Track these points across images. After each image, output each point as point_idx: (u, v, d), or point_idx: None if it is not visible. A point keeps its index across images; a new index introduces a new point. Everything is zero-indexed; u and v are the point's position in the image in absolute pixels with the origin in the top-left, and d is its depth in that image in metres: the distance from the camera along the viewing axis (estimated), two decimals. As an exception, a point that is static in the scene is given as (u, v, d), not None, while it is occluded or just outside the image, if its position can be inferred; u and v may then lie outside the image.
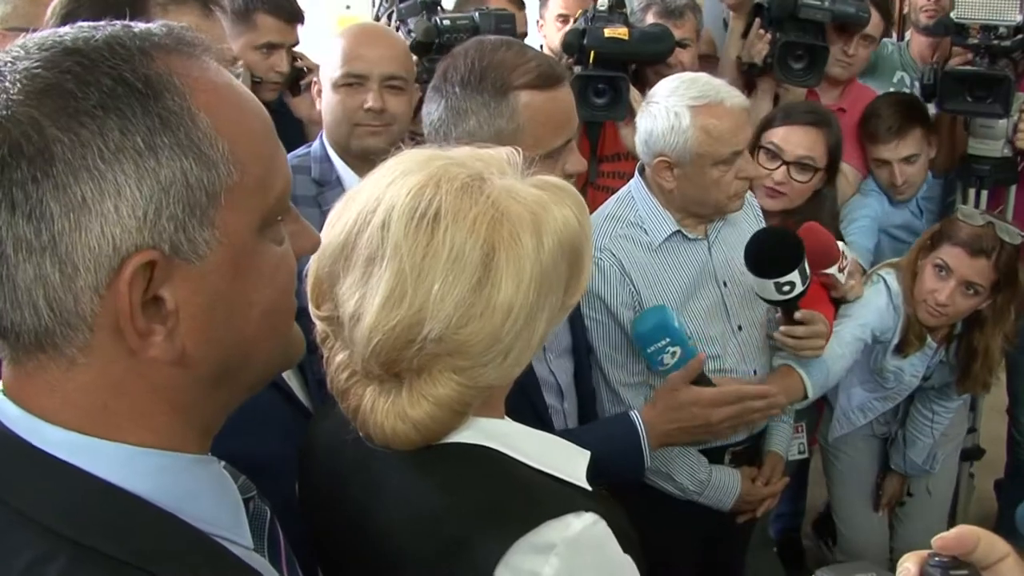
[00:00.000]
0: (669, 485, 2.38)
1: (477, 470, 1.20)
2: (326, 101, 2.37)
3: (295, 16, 3.04)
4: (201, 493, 0.88)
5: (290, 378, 1.64)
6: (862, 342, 2.72)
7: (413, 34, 2.85)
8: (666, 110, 2.26)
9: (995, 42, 3.04)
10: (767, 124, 2.87)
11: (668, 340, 2.11)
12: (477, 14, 2.90)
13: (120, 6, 1.40)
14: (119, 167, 0.77)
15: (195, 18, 1.54)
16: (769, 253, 2.23)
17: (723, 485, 2.42)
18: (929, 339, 2.87)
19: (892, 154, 3.15)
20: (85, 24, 0.83)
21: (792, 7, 3.07)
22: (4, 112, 0.76)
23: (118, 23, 0.84)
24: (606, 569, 1.17)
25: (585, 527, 1.13)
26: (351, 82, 2.35)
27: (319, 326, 1.22)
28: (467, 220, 1.10)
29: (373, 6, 3.13)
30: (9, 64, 0.78)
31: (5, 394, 0.85)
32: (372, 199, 1.15)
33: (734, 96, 2.28)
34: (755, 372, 2.43)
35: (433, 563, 1.15)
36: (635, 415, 2.03)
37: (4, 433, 0.83)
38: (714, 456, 2.44)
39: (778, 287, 2.23)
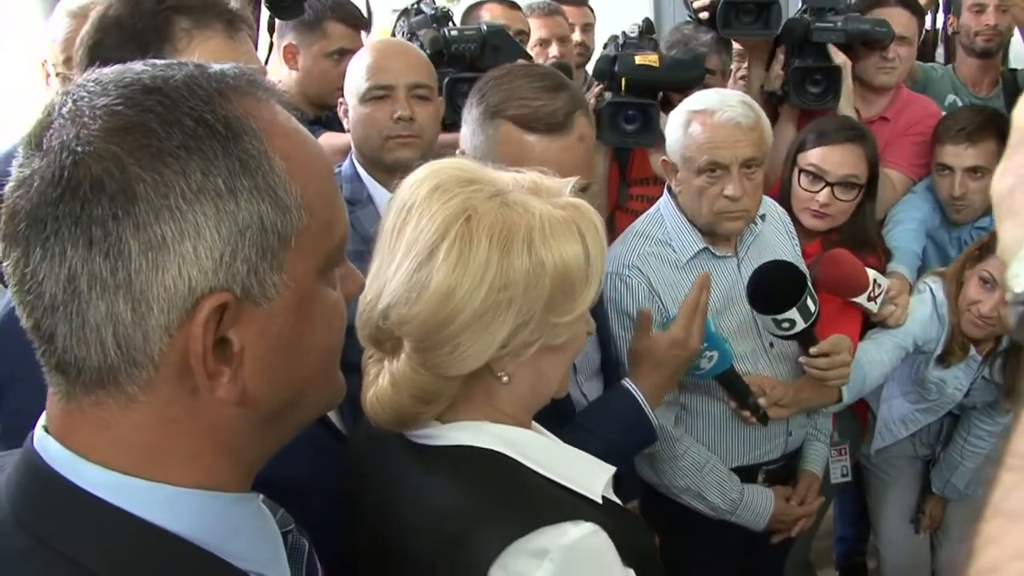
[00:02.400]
0: (700, 504, 2.37)
1: (485, 472, 1.24)
2: (355, 117, 2.37)
3: (363, 23, 3.11)
4: (241, 530, 0.88)
5: None
6: (903, 350, 2.69)
7: (424, 48, 2.91)
8: (676, 114, 2.32)
9: None
10: (801, 146, 2.83)
11: (706, 344, 2.11)
12: (485, 27, 2.93)
13: (145, 33, 1.47)
14: (200, 208, 0.77)
15: (220, 41, 1.54)
16: (767, 289, 2.22)
17: (756, 505, 2.41)
18: (973, 351, 2.80)
19: (957, 160, 2.93)
20: (159, 62, 0.84)
21: (804, 32, 3.06)
22: (86, 148, 0.76)
23: (191, 63, 0.84)
24: None
25: (582, 536, 1.15)
26: (379, 94, 2.34)
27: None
28: (429, 213, 1.18)
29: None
30: (86, 99, 0.79)
31: (49, 431, 0.84)
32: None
33: (734, 110, 2.26)
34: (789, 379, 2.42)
35: (434, 559, 1.19)
36: (628, 383, 1.99)
37: (46, 471, 0.82)
38: (747, 475, 2.43)
39: (777, 323, 2.23)
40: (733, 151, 2.26)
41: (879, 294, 2.55)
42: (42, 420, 0.86)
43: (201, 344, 0.79)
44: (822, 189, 2.73)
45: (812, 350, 2.31)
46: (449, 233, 1.16)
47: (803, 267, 2.41)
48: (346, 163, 2.44)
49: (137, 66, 0.83)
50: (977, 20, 3.51)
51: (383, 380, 1.25)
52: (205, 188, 0.77)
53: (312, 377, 0.90)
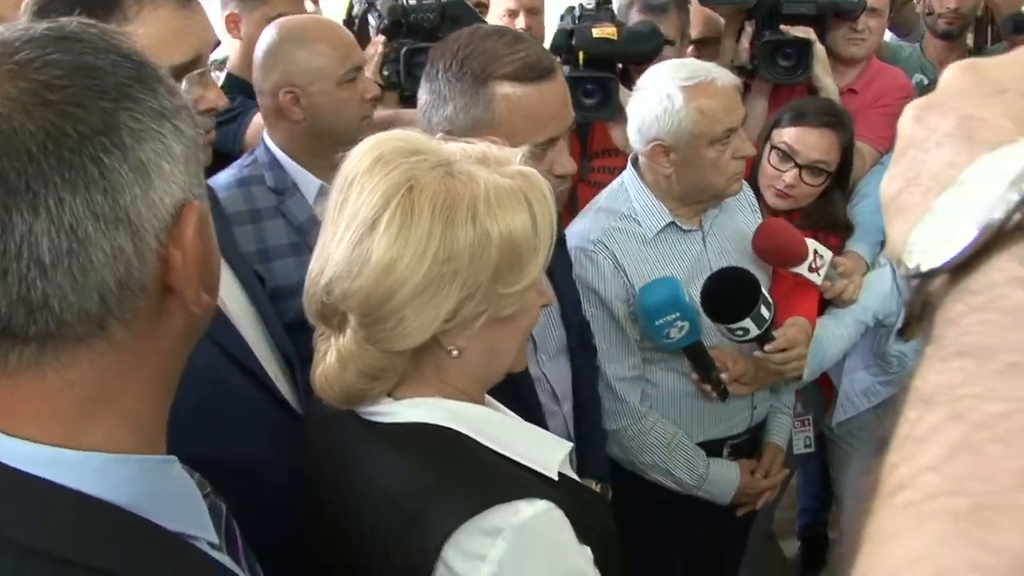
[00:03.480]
0: (667, 480, 2.37)
1: (438, 450, 1.23)
2: (328, 102, 2.27)
3: None
4: (171, 493, 0.88)
5: (279, 381, 1.65)
6: (863, 325, 2.69)
7: (382, 19, 2.85)
8: (657, 94, 2.24)
9: None
10: (777, 122, 2.78)
11: (678, 314, 2.10)
12: None
13: (94, 2, 1.42)
14: (165, 129, 0.81)
15: (171, 10, 1.48)
16: (721, 299, 2.21)
17: (722, 478, 2.42)
18: None
19: None
20: (45, 21, 0.83)
21: (774, 4, 3.03)
22: (51, 96, 0.75)
23: (75, 21, 0.85)
24: (555, 556, 1.18)
25: (536, 514, 1.15)
26: (354, 76, 2.29)
27: None
28: (370, 185, 1.16)
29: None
30: (23, 54, 0.77)
31: None
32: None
33: (724, 75, 2.27)
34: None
35: (389, 538, 1.18)
36: None
37: None
38: (712, 449, 2.43)
39: (731, 331, 2.23)
40: (738, 113, 2.30)
41: (821, 265, 2.52)
42: None
43: (197, 249, 0.82)
44: (790, 170, 2.70)
45: (767, 347, 2.31)
46: (390, 204, 1.14)
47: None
48: (260, 150, 2.33)
49: (34, 25, 0.82)
50: (940, 2, 3.53)
51: (330, 357, 1.24)
52: (163, 109, 0.82)
53: (216, 285, 0.92)
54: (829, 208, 2.76)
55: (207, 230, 0.86)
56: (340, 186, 1.20)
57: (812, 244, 2.49)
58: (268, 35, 2.29)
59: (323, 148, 2.24)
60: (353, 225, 1.16)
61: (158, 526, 0.84)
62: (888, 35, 3.86)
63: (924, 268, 0.42)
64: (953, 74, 0.51)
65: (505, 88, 1.72)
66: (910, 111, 0.51)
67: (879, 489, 0.35)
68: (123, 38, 0.84)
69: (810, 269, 2.49)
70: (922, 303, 0.43)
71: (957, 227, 0.40)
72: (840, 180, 2.78)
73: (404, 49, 2.71)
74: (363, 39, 2.91)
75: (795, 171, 2.69)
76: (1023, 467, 0.30)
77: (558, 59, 2.89)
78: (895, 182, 0.49)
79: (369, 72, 2.77)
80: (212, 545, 0.92)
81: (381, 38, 2.98)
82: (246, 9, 2.93)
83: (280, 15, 2.88)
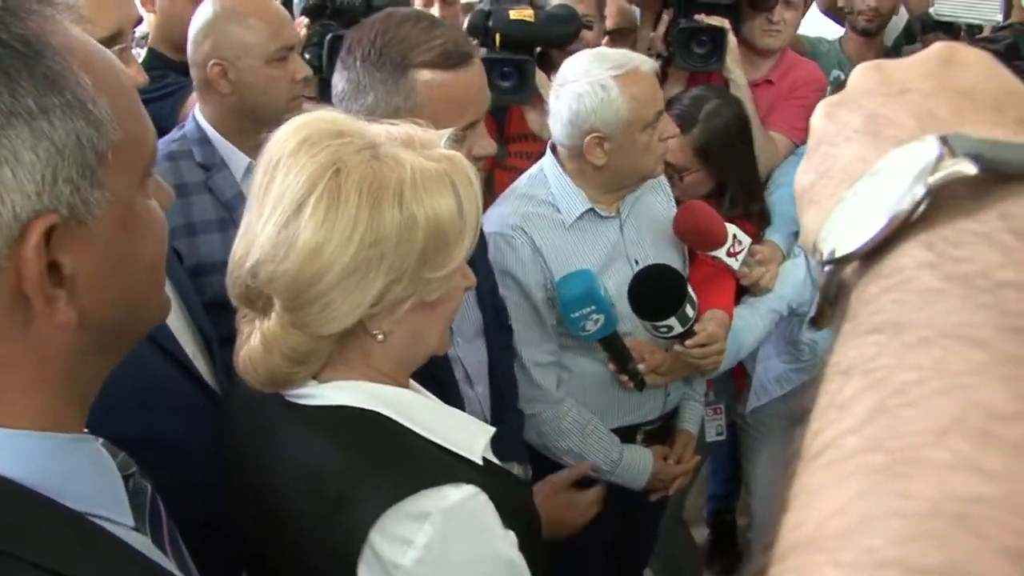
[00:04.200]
0: (582, 465, 2.37)
1: (363, 433, 1.22)
2: (255, 79, 2.25)
3: None
4: (79, 473, 0.86)
5: (196, 358, 1.63)
6: (777, 314, 2.72)
7: None
8: (591, 86, 2.22)
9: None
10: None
11: (593, 308, 2.11)
12: None
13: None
14: (14, 132, 0.75)
15: None
16: (647, 296, 2.22)
17: (635, 464, 2.43)
18: None
19: None
20: None
21: None
22: None
23: None
24: (481, 541, 1.18)
25: (463, 499, 1.14)
26: (284, 55, 2.27)
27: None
28: (296, 167, 1.14)
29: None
30: None
31: None
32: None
33: (645, 61, 2.29)
34: (666, 349, 2.41)
35: (315, 522, 1.17)
36: None
37: None
38: (626, 435, 2.45)
39: (655, 328, 2.24)
40: (661, 95, 2.34)
41: (740, 251, 2.53)
42: None
43: (36, 268, 0.77)
44: None
45: (688, 343, 2.32)
46: (316, 187, 1.13)
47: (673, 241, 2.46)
48: (190, 125, 2.31)
49: None
50: (860, 0, 3.58)
51: (255, 340, 1.22)
52: (15, 110, 0.75)
53: (144, 291, 0.90)
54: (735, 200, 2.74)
55: (99, 245, 0.81)
56: (265, 167, 1.18)
57: (732, 229, 2.50)
58: (204, 8, 2.28)
59: (251, 126, 2.21)
60: (279, 207, 1.14)
61: (56, 503, 0.82)
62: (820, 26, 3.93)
63: (838, 254, 0.45)
64: (860, 74, 0.54)
65: (425, 76, 1.71)
66: (821, 108, 0.55)
67: (802, 454, 0.37)
68: (15, 20, 0.77)
69: (728, 254, 2.50)
70: (835, 287, 0.46)
71: (868, 216, 0.43)
72: (726, 175, 2.75)
73: (329, 36, 2.67)
74: None
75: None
76: (933, 427, 0.33)
77: (475, 41, 2.88)
78: (808, 175, 0.53)
79: None
80: (128, 527, 0.90)
81: (304, 20, 2.92)
82: None
83: None
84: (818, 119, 0.54)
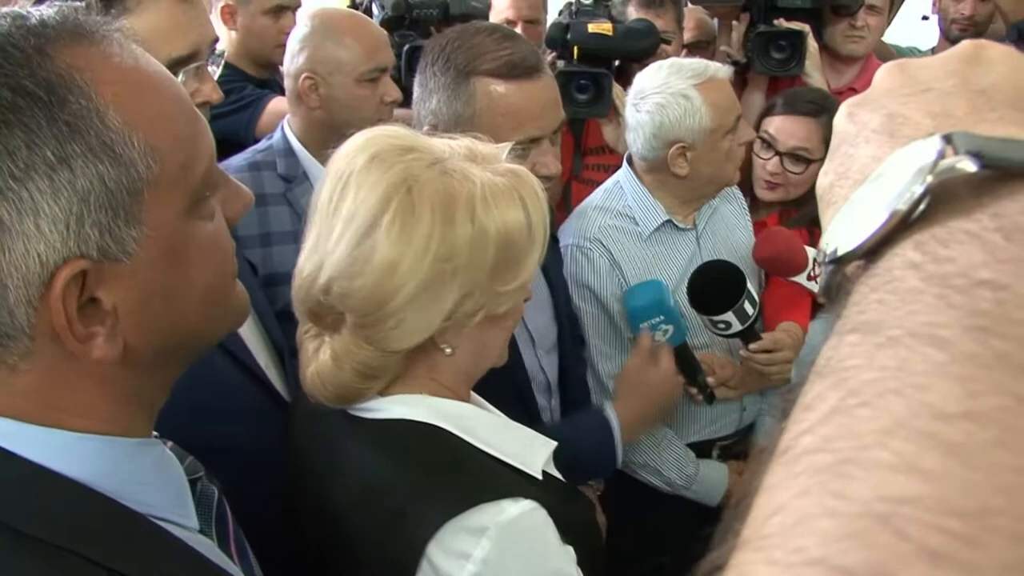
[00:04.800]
0: (656, 479, 2.35)
1: (424, 447, 1.22)
2: (345, 96, 2.30)
3: None
4: (144, 476, 0.87)
5: (268, 368, 1.64)
6: None
7: (384, 10, 2.84)
8: (673, 96, 2.23)
9: None
10: (767, 111, 2.79)
11: (662, 317, 2.09)
12: None
13: (90, -8, 1.40)
14: (32, 184, 0.74)
15: (171, 3, 1.48)
16: (705, 290, 2.21)
17: (711, 479, 2.40)
18: None
19: None
20: (36, 10, 0.80)
21: None
22: None
23: (7, 15, 0.79)
24: (538, 557, 1.17)
25: (521, 513, 1.14)
26: (376, 76, 2.32)
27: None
28: (368, 184, 1.14)
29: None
30: None
31: None
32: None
33: (719, 67, 2.30)
34: (741, 363, 2.40)
35: (374, 535, 1.17)
36: (610, 412, 1.96)
37: None
38: (702, 450, 2.42)
39: (713, 323, 2.22)
40: (737, 100, 2.33)
41: (820, 274, 2.50)
42: None
43: (62, 315, 0.77)
44: (772, 158, 2.71)
45: (752, 346, 2.29)
46: (391, 204, 1.13)
47: (748, 255, 2.43)
48: (277, 135, 2.36)
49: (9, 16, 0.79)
50: (955, 7, 3.52)
51: (324, 356, 1.22)
52: (33, 163, 0.74)
53: (199, 314, 0.89)
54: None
55: (139, 280, 0.82)
56: (334, 183, 1.18)
57: (812, 252, 2.47)
58: (303, 23, 2.35)
59: (335, 141, 2.23)
60: (353, 224, 1.14)
61: (119, 504, 0.83)
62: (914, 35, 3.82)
63: (839, 253, 0.45)
64: (884, 74, 0.54)
65: (486, 84, 1.72)
66: (844, 108, 0.55)
67: (773, 453, 0.37)
68: (43, 60, 0.76)
69: (808, 278, 2.48)
70: (836, 286, 0.46)
71: (868, 215, 0.43)
72: None
73: (406, 46, 2.70)
74: None
75: (776, 159, 2.69)
76: (883, 427, 0.33)
77: (553, 53, 2.90)
78: (828, 176, 0.52)
79: None
80: (193, 529, 0.91)
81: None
82: (241, 1, 2.97)
83: (278, 5, 2.97)
84: (840, 120, 0.54)
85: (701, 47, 3.38)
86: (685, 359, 2.22)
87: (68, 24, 0.80)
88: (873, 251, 0.43)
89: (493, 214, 1.16)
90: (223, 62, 2.06)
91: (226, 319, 0.96)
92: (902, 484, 0.31)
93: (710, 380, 2.29)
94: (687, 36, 3.35)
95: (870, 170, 0.47)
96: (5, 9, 0.80)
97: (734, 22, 3.12)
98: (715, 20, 3.42)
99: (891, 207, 0.42)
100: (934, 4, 3.77)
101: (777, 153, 2.69)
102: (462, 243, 1.15)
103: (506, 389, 1.42)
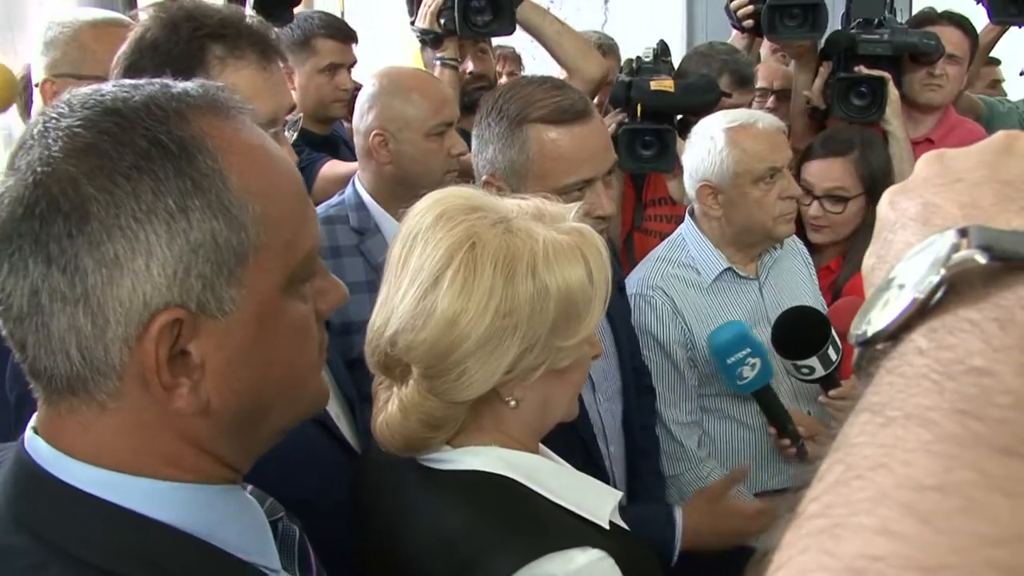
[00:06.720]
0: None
1: (494, 498, 1.25)
2: (414, 151, 2.36)
3: (351, 36, 3.27)
4: (228, 520, 0.89)
5: (339, 419, 1.67)
6: None
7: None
8: (701, 138, 2.32)
9: None
10: (806, 156, 2.80)
11: (749, 350, 2.10)
12: None
13: (180, 59, 1.48)
14: (151, 227, 0.79)
15: (253, 71, 1.54)
16: (791, 334, 2.21)
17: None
18: None
19: None
20: (127, 82, 0.86)
21: (850, 44, 3.02)
22: (46, 169, 0.78)
23: (157, 82, 0.86)
24: None
25: (589, 563, 1.16)
26: (443, 130, 2.39)
27: None
28: (434, 241, 1.19)
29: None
30: (54, 121, 0.81)
31: (38, 432, 0.86)
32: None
33: (767, 119, 2.33)
34: (809, 412, 2.40)
35: None
36: (679, 512, 1.93)
37: (36, 471, 0.84)
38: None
39: (797, 368, 2.22)
40: (784, 154, 2.34)
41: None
42: (33, 421, 0.88)
43: (154, 358, 0.80)
44: (812, 202, 2.74)
45: (832, 393, 2.29)
46: (454, 260, 1.17)
47: (817, 301, 2.45)
48: (349, 191, 2.43)
49: (106, 87, 0.85)
50: None
51: (392, 406, 1.26)
52: (155, 208, 0.79)
53: (278, 388, 0.91)
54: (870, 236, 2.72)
55: (230, 339, 0.84)
56: (403, 241, 1.23)
57: None
58: (372, 82, 2.43)
59: (405, 194, 2.28)
60: (418, 279, 1.19)
61: (215, 547, 0.86)
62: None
63: (868, 334, 0.48)
64: (923, 163, 0.57)
65: (538, 131, 1.78)
66: (887, 196, 0.58)
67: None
68: (180, 121, 0.82)
69: None
70: (866, 366, 0.49)
71: (891, 302, 0.47)
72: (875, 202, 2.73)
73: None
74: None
75: (816, 203, 2.72)
76: (871, 496, 0.38)
77: (617, 110, 2.95)
78: (871, 259, 0.57)
79: (425, 21, 2.93)
80: (276, 571, 0.94)
81: None
82: (297, 61, 3.10)
83: (331, 64, 3.13)
84: (883, 206, 0.58)
85: (789, 96, 3.36)
86: (773, 406, 2.22)
87: (207, 96, 0.86)
88: (894, 335, 0.47)
89: (554, 271, 1.19)
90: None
91: (303, 404, 0.98)
92: (879, 544, 0.37)
93: (800, 430, 2.27)
94: (776, 83, 3.37)
95: (904, 255, 0.50)
96: (157, 80, 0.87)
97: (822, 69, 3.12)
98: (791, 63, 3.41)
99: (910, 296, 0.46)
100: None
101: (815, 197, 2.72)
102: (523, 299, 1.18)
103: (571, 437, 1.44)
